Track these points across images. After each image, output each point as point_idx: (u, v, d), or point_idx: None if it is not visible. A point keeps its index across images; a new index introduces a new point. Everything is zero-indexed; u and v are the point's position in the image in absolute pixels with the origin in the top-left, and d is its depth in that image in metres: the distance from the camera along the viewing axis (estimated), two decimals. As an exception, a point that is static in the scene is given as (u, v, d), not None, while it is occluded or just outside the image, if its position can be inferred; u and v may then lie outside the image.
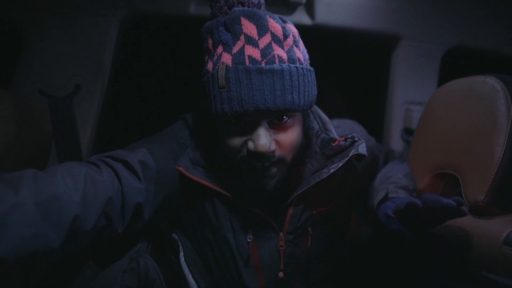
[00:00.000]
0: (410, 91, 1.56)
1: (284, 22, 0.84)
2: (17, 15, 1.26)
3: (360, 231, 1.10)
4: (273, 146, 0.81)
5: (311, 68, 0.86)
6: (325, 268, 0.98)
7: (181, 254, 0.97)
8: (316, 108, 1.05)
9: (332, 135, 0.96)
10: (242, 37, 0.78)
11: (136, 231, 0.89)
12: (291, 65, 0.79)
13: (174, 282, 0.97)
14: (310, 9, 1.44)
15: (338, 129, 1.02)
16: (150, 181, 0.84)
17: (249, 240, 0.92)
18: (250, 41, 0.78)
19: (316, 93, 0.88)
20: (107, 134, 1.45)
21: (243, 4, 0.83)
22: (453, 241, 0.83)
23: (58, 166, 0.70)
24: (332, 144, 0.92)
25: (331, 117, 1.06)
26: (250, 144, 0.80)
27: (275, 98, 0.77)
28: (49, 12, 1.27)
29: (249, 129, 0.81)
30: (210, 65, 0.82)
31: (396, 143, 1.56)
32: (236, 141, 0.83)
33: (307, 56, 0.88)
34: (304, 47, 0.88)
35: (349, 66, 1.93)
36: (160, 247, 1.01)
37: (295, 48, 0.83)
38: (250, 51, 0.77)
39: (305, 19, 1.43)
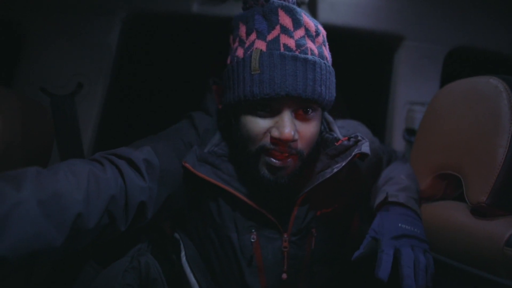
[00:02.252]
0: (412, 92, 1.55)
1: (317, 22, 0.87)
2: (19, 14, 1.26)
3: (363, 232, 1.10)
4: (297, 136, 0.82)
5: (333, 71, 0.89)
6: (328, 270, 0.98)
7: (183, 253, 0.97)
8: None
9: (336, 135, 0.96)
10: (278, 27, 0.81)
11: (138, 230, 0.88)
12: (321, 60, 0.82)
13: (175, 281, 0.96)
14: (313, 9, 1.44)
15: (342, 129, 1.03)
16: (154, 180, 0.84)
17: (252, 240, 0.92)
18: (285, 31, 0.80)
19: (335, 95, 0.90)
20: (109, 133, 1.45)
21: None
22: (454, 242, 0.83)
23: (61, 164, 0.70)
24: (336, 144, 0.92)
25: (333, 117, 1.06)
26: (275, 131, 0.80)
27: (306, 86, 0.79)
28: (51, 10, 1.27)
29: (275, 116, 0.82)
30: (240, 52, 0.84)
31: (398, 143, 1.56)
32: (260, 128, 0.83)
33: (331, 59, 0.91)
34: (329, 50, 0.91)
35: (352, 66, 1.92)
36: (161, 246, 1.01)
37: (323, 47, 0.87)
38: (285, 40, 0.80)
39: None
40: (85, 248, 0.74)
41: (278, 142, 0.80)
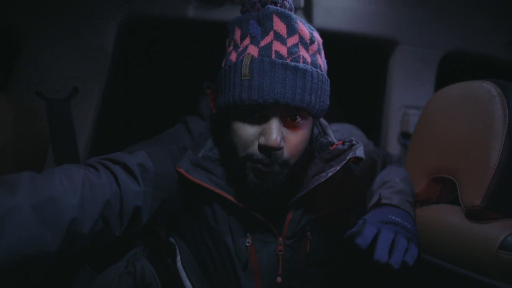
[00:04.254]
0: (407, 96, 1.56)
1: (312, 30, 0.86)
2: (15, 17, 1.26)
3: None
4: (283, 144, 0.82)
5: (328, 79, 0.89)
6: (323, 273, 0.98)
7: (178, 257, 0.96)
8: None
9: (330, 139, 0.96)
10: (271, 33, 0.81)
11: (133, 235, 0.88)
12: (313, 68, 0.82)
13: (170, 286, 0.96)
14: (308, 13, 1.44)
15: (337, 133, 1.03)
16: (149, 184, 0.84)
17: (247, 244, 0.92)
18: (278, 38, 0.80)
19: (328, 104, 0.90)
20: (104, 137, 1.44)
21: (275, 4, 0.85)
22: (449, 245, 0.83)
23: (56, 169, 0.70)
24: (330, 148, 0.92)
25: (328, 120, 1.06)
26: (262, 139, 0.80)
27: (295, 94, 0.78)
28: (47, 14, 1.27)
29: (262, 124, 0.82)
30: (233, 56, 0.84)
31: (393, 147, 1.56)
32: (247, 135, 0.83)
33: (326, 67, 0.90)
34: (324, 58, 0.91)
35: (347, 70, 1.93)
36: (156, 251, 1.01)
37: (318, 55, 0.86)
38: (278, 47, 0.80)
39: (303, 23, 1.43)
40: (80, 252, 0.73)
41: (265, 149, 0.80)
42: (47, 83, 1.26)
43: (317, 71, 0.82)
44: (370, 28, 1.49)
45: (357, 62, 1.87)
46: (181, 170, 0.89)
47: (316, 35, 0.87)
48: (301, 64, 0.80)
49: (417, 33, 1.52)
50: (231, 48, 0.87)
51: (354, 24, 1.47)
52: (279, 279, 0.92)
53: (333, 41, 1.52)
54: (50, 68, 1.27)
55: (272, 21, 0.81)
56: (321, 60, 0.88)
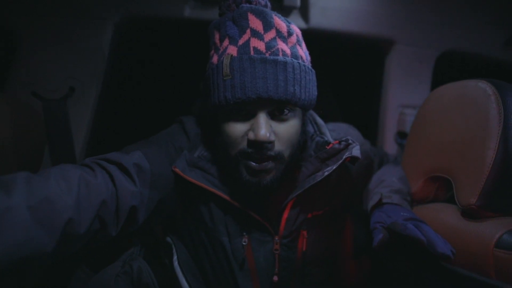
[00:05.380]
0: (404, 95, 1.57)
1: (289, 23, 0.87)
2: (11, 18, 1.26)
3: (355, 234, 1.11)
4: (273, 137, 0.82)
5: (313, 70, 0.89)
6: (320, 272, 0.99)
7: (175, 257, 0.96)
8: (311, 112, 1.06)
9: (326, 138, 0.96)
10: (248, 30, 0.81)
11: (130, 234, 0.88)
12: (294, 59, 0.82)
13: (167, 286, 0.96)
14: (304, 13, 1.44)
15: (333, 132, 1.03)
16: (145, 184, 0.84)
17: (244, 243, 0.92)
18: (255, 34, 0.81)
19: (316, 93, 0.90)
20: (101, 137, 1.44)
21: (250, 2, 0.86)
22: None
23: (52, 169, 0.70)
24: (327, 147, 0.92)
25: (325, 120, 1.07)
26: (251, 134, 0.81)
27: (277, 87, 0.79)
28: (43, 14, 1.27)
29: (250, 120, 0.82)
30: (215, 58, 0.85)
31: (390, 146, 1.57)
32: (237, 132, 0.83)
33: (309, 57, 0.91)
34: (306, 49, 0.91)
35: (344, 70, 1.94)
36: (153, 251, 1.01)
37: (297, 47, 0.86)
38: (255, 43, 0.80)
39: (300, 23, 1.43)
40: (77, 253, 0.73)
41: (255, 144, 0.81)
42: (44, 84, 1.26)
43: (298, 62, 0.83)
44: (366, 28, 1.49)
45: (353, 62, 1.87)
46: (177, 170, 0.89)
47: (294, 27, 0.87)
48: (280, 57, 0.80)
49: (413, 32, 1.53)
50: (212, 51, 0.88)
51: (350, 24, 1.47)
52: (275, 278, 0.93)
53: (330, 41, 1.53)
54: (46, 68, 1.27)
55: (247, 19, 0.82)
56: (302, 52, 0.88)
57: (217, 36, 0.87)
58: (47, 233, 0.61)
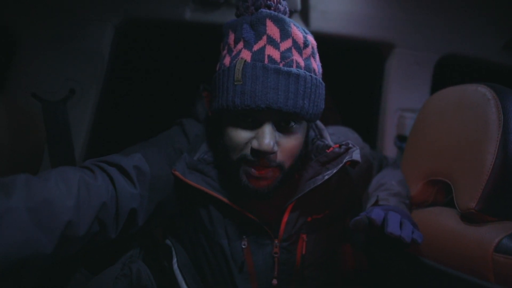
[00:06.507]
0: (403, 99, 1.57)
1: (306, 33, 0.86)
2: (11, 20, 1.26)
3: (354, 238, 1.10)
4: (276, 148, 0.82)
5: (323, 83, 0.88)
6: (319, 275, 0.98)
7: (174, 260, 0.96)
8: None
9: (327, 142, 0.97)
10: (264, 37, 0.80)
11: (130, 237, 0.88)
12: (307, 72, 0.81)
13: (167, 288, 0.96)
14: (305, 17, 1.45)
15: (333, 136, 1.03)
16: (145, 187, 0.84)
17: (243, 246, 0.92)
18: (271, 42, 0.80)
19: (323, 107, 0.90)
20: (100, 139, 1.44)
21: (269, 7, 0.85)
22: (444, 248, 0.84)
23: (52, 171, 0.70)
24: (327, 151, 0.92)
25: (325, 123, 1.07)
26: (254, 143, 0.80)
27: (287, 99, 0.78)
28: (43, 16, 1.27)
29: (255, 128, 0.82)
30: (227, 60, 0.84)
31: (390, 150, 1.57)
32: (241, 138, 0.83)
33: (321, 70, 0.90)
34: (319, 61, 0.90)
35: (343, 74, 1.94)
36: (153, 253, 1.01)
37: (312, 59, 0.85)
38: (271, 51, 0.79)
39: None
40: (76, 255, 0.73)
41: (258, 153, 0.80)
42: (43, 85, 1.26)
43: (310, 75, 0.82)
44: (366, 31, 1.50)
45: (353, 65, 1.87)
46: (177, 173, 0.89)
47: (310, 38, 0.87)
48: (294, 69, 0.79)
49: (413, 36, 1.53)
50: (225, 52, 0.87)
51: (350, 27, 1.48)
52: (275, 281, 0.92)
53: (329, 44, 1.53)
54: (46, 70, 1.27)
55: (265, 25, 0.81)
56: (315, 64, 0.87)
57: (231, 37, 0.86)
58: (46, 235, 0.61)
